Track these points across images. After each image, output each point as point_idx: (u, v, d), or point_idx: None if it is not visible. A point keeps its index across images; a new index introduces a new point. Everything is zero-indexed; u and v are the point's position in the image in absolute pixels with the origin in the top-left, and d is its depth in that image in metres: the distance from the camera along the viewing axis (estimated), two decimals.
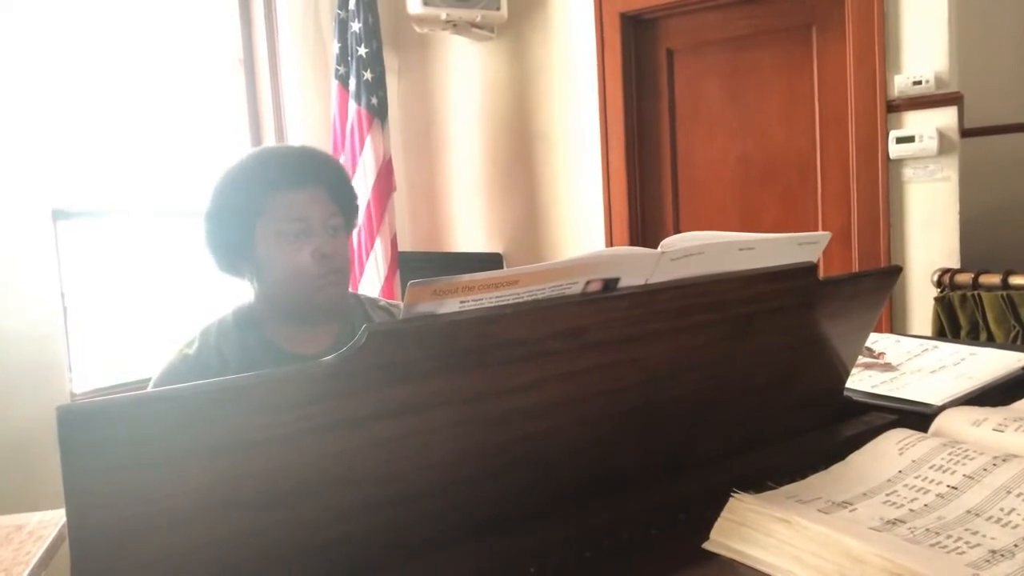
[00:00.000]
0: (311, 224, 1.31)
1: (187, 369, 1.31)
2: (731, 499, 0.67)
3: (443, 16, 3.08)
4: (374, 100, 3.02)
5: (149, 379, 1.34)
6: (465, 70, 3.48)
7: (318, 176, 1.36)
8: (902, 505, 0.69)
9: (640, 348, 0.72)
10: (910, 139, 2.56)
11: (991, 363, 1.17)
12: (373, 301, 1.53)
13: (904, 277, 2.62)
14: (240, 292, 1.43)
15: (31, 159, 2.34)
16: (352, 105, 3.04)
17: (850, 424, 0.93)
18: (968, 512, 0.66)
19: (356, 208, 1.47)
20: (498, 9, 3.14)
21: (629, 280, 0.69)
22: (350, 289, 1.45)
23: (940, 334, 2.40)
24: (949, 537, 0.63)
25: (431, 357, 0.59)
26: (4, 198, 2.28)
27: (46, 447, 2.16)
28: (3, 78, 2.28)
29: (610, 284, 0.68)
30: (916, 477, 0.73)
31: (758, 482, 0.74)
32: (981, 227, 2.66)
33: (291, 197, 1.31)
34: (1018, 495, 0.67)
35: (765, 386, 0.87)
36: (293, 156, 1.37)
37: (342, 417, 0.57)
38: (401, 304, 0.60)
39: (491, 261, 3.35)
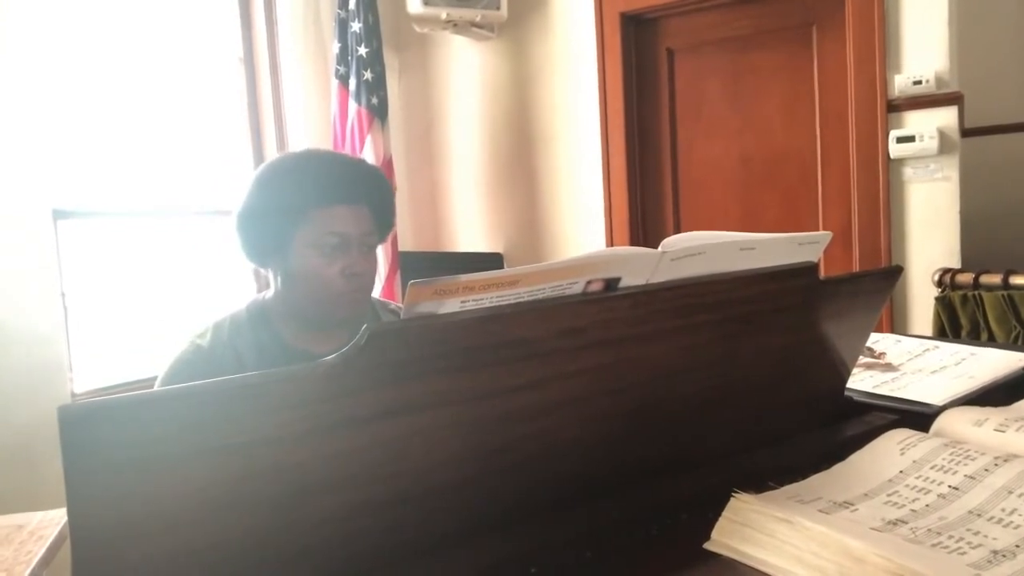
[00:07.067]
0: (348, 240, 1.31)
1: (200, 361, 1.29)
2: (732, 499, 0.67)
3: (443, 16, 3.08)
4: (374, 100, 3.02)
5: (149, 379, 1.33)
6: (465, 70, 3.48)
7: (369, 195, 1.36)
8: (903, 505, 0.69)
9: (641, 348, 0.72)
10: (910, 139, 2.56)
11: (992, 363, 1.17)
12: (384, 304, 1.53)
13: (905, 277, 2.62)
14: (245, 293, 1.42)
15: (31, 159, 2.34)
16: (352, 105, 3.04)
17: (851, 424, 0.93)
18: (970, 512, 0.66)
19: (393, 225, 1.46)
20: (498, 9, 3.14)
21: (630, 280, 0.69)
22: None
23: (941, 334, 2.40)
24: (951, 537, 0.62)
25: (432, 357, 0.59)
26: (4, 198, 2.28)
27: (47, 447, 2.17)
28: (4, 78, 2.28)
29: (611, 284, 0.68)
30: (917, 477, 0.73)
31: (759, 482, 0.74)
32: (982, 227, 2.66)
33: (337, 212, 1.31)
34: (1020, 495, 0.67)
35: (766, 386, 0.87)
36: (350, 172, 1.36)
37: (343, 417, 0.57)
38: None
39: (491, 261, 3.35)
